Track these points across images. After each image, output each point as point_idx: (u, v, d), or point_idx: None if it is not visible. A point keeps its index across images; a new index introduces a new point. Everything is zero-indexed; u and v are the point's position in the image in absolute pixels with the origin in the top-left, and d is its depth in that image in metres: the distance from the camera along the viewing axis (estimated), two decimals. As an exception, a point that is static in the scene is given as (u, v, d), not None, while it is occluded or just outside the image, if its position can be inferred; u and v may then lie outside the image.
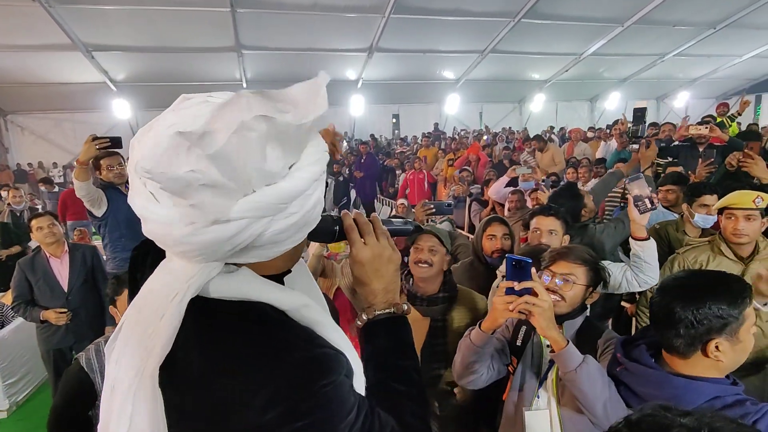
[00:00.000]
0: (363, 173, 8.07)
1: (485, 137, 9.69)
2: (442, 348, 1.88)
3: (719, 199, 2.43)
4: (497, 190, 4.31)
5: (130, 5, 8.54)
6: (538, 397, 1.45)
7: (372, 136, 13.34)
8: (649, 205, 2.01)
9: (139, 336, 0.60)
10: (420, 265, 1.93)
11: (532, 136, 7.87)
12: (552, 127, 12.94)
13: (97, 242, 3.77)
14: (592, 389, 1.21)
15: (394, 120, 15.83)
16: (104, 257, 3.27)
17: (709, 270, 1.21)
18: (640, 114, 5.13)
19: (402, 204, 5.58)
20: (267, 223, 0.58)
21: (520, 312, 1.27)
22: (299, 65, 11.62)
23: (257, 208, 0.56)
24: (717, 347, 1.09)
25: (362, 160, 8.20)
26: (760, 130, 6.32)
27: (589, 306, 1.64)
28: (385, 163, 8.56)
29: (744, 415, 1.07)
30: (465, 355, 1.45)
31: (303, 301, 0.65)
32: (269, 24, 9.69)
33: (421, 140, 9.90)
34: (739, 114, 5.63)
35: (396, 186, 7.91)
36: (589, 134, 8.62)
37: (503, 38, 10.86)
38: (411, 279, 2.00)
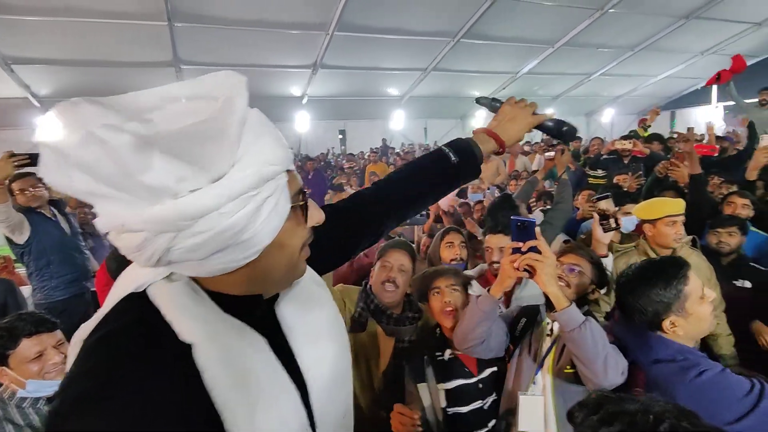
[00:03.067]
0: (311, 190, 8.00)
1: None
2: None
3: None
4: (445, 201, 4.40)
5: (54, 16, 8.02)
6: (535, 383, 1.49)
7: (325, 153, 13.26)
8: (613, 225, 2.13)
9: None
10: (387, 285, 1.77)
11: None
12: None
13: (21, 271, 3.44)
14: (594, 346, 1.27)
15: (341, 136, 15.86)
16: (33, 288, 2.96)
17: (652, 259, 1.47)
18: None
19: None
20: (170, 239, 0.54)
21: (525, 270, 1.33)
22: (242, 81, 11.36)
23: (154, 222, 0.52)
24: (673, 323, 1.25)
25: (309, 177, 8.12)
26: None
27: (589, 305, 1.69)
28: (334, 181, 8.52)
29: (696, 364, 1.21)
30: (470, 320, 1.46)
31: (192, 340, 0.58)
32: (209, 39, 9.44)
33: (369, 155, 9.97)
34: (649, 124, 6.19)
35: (344, 202, 7.91)
36: (526, 148, 9.09)
37: (444, 57, 11.25)
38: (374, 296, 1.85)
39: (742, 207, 3.08)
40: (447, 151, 1.04)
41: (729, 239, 2.66)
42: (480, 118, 15.28)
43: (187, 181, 0.52)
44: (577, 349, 1.28)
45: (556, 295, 1.30)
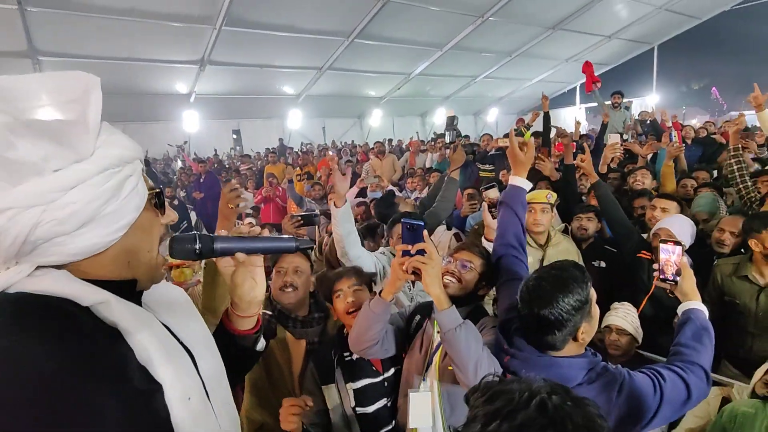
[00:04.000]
0: (203, 194, 7.47)
1: (330, 152, 9.89)
2: None
3: None
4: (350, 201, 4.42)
5: None
6: (425, 380, 1.52)
7: (215, 152, 12.49)
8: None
9: None
10: (285, 290, 1.76)
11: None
12: (389, 139, 13.88)
13: None
14: (467, 349, 1.29)
15: (235, 136, 15.11)
16: None
17: (554, 266, 1.30)
18: (449, 121, 5.84)
19: (250, 223, 5.33)
20: (39, 213, 0.58)
21: (413, 272, 1.33)
22: (116, 75, 10.24)
23: (24, 196, 0.57)
24: (582, 331, 1.24)
25: (201, 180, 7.60)
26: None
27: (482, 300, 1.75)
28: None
29: (614, 380, 1.22)
30: (362, 323, 1.46)
31: (99, 298, 0.65)
32: (72, 27, 8.35)
33: (268, 156, 9.63)
34: (531, 124, 6.88)
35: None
36: (422, 147, 9.50)
37: (339, 56, 11.28)
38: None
39: (593, 197, 3.52)
40: None
41: (588, 224, 3.04)
42: (377, 117, 15.63)
43: (53, 160, 0.59)
44: (451, 351, 1.32)
45: (437, 296, 1.34)
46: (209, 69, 10.65)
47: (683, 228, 2.56)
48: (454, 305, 1.36)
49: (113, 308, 0.66)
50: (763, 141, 5.37)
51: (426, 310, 1.69)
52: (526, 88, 17.42)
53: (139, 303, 0.77)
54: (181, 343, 0.78)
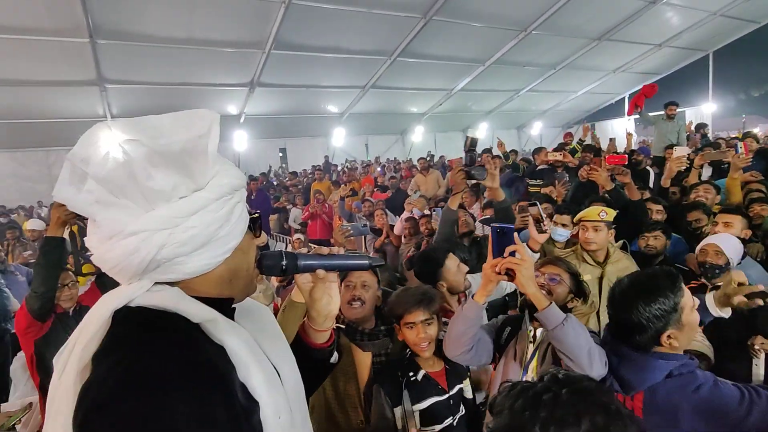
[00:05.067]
0: (254, 210, 7.77)
1: (378, 169, 10.03)
2: None
3: (572, 217, 2.89)
4: (398, 227, 4.50)
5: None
6: None
7: (266, 172, 12.95)
8: (543, 227, 2.36)
9: (72, 350, 0.67)
10: (353, 304, 1.78)
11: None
12: (431, 153, 13.91)
13: None
14: (577, 340, 1.31)
15: (281, 154, 15.64)
16: None
17: (644, 272, 1.38)
18: (470, 143, 5.61)
19: (298, 239, 5.48)
20: (166, 236, 0.66)
21: (506, 273, 1.35)
22: (173, 99, 10.90)
23: (155, 221, 0.65)
24: (670, 337, 1.25)
25: (252, 197, 7.90)
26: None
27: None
28: (276, 204, 8.32)
29: (694, 380, 1.24)
30: (458, 327, 1.48)
31: (209, 316, 0.71)
32: (135, 57, 9.00)
33: (314, 174, 9.89)
34: (583, 139, 6.70)
35: (287, 222, 7.77)
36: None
37: (382, 75, 11.51)
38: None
39: (656, 212, 3.39)
40: None
41: (655, 242, 2.92)
42: (419, 134, 15.73)
43: (179, 189, 0.67)
44: (561, 346, 1.33)
45: (535, 295, 1.35)
46: (258, 91, 11.14)
47: (731, 244, 2.46)
48: (553, 302, 1.37)
49: (220, 326, 0.72)
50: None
51: (516, 322, 1.70)
52: (572, 100, 17.04)
53: (232, 319, 0.81)
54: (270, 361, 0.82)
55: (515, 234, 1.37)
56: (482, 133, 16.73)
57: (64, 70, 8.95)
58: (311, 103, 12.94)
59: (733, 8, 11.82)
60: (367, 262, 0.93)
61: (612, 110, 18.55)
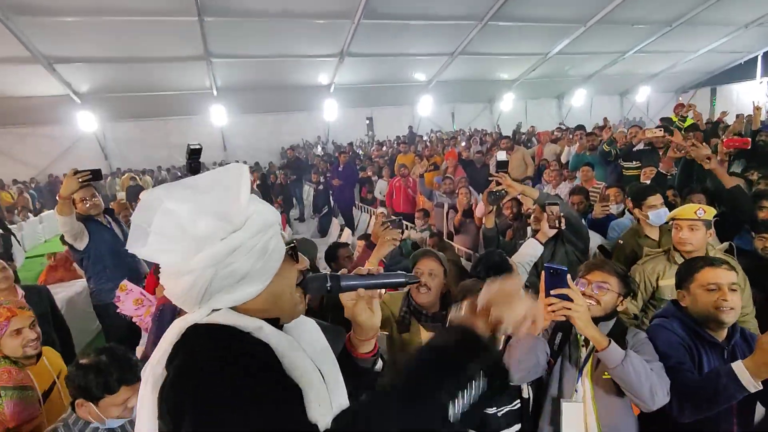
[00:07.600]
0: (342, 181, 8.07)
1: (463, 143, 9.81)
2: None
3: (662, 196, 2.68)
4: (480, 208, 4.44)
5: (91, 15, 8.33)
6: (576, 391, 1.58)
7: (351, 144, 13.31)
8: (557, 225, 2.46)
9: (152, 363, 0.82)
10: (421, 290, 1.98)
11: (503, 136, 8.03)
12: (519, 124, 13.22)
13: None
14: (638, 378, 1.37)
15: (368, 122, 15.90)
16: (90, 289, 3.17)
17: None
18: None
19: (381, 212, 5.65)
20: (214, 272, 0.79)
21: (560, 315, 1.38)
22: (270, 72, 11.55)
23: (204, 261, 0.78)
24: None
25: (339, 168, 8.20)
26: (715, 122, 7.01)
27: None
28: (361, 176, 8.56)
29: None
30: (520, 357, 1.55)
31: (256, 325, 0.83)
32: (238, 31, 9.61)
33: (399, 146, 9.95)
34: (685, 115, 5.90)
35: (373, 193, 7.97)
36: (557, 133, 8.85)
37: (471, 40, 11.07)
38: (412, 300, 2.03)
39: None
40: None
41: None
42: (509, 101, 15.01)
43: (219, 232, 0.79)
44: (623, 383, 1.39)
45: (594, 337, 1.39)
46: (347, 60, 11.35)
47: None
48: (612, 341, 1.39)
49: (267, 332, 0.83)
50: None
51: (566, 326, 1.69)
52: (688, 61, 15.05)
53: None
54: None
55: (568, 276, 1.36)
56: (579, 100, 15.50)
57: (174, 47, 9.84)
58: (398, 71, 12.90)
59: None
60: (404, 279, 1.01)
61: (739, 72, 16.05)
